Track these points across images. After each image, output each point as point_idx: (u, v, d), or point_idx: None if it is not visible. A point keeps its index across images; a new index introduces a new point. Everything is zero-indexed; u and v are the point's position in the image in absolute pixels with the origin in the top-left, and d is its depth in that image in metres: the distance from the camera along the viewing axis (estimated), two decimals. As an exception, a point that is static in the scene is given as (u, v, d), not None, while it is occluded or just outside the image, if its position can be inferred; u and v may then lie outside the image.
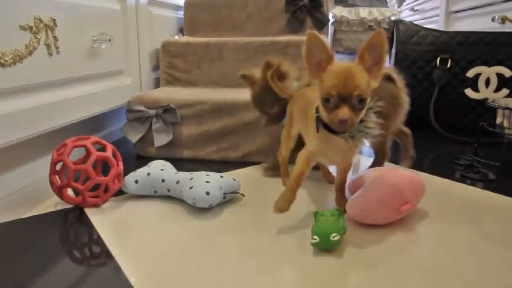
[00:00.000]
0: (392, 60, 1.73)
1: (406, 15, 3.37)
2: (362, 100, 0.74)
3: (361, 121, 0.79)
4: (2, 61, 0.93)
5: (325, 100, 0.75)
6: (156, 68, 1.67)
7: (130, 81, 1.49)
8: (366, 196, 0.86)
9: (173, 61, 1.56)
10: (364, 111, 0.77)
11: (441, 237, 0.84)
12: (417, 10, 3.15)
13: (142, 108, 1.32)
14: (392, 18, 1.74)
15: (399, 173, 0.91)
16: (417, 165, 1.24)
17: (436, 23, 2.56)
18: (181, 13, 1.89)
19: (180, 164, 1.12)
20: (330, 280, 0.70)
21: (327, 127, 0.80)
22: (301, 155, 0.87)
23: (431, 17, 2.76)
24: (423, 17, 2.96)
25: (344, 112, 0.72)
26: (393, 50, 1.73)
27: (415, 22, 1.82)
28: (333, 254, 0.77)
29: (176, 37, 1.76)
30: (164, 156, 1.28)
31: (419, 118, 1.64)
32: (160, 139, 1.31)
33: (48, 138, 1.15)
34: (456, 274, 0.71)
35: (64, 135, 1.16)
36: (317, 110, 0.82)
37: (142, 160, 1.33)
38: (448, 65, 1.58)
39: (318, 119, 0.81)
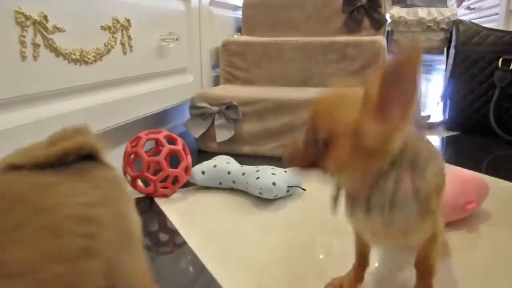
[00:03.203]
0: (451, 61, 1.71)
1: (462, 14, 3.29)
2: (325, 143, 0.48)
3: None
4: (86, 59, 1.01)
5: None
6: (215, 66, 1.73)
7: (192, 78, 1.55)
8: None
9: (232, 60, 1.62)
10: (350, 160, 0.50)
11: (502, 241, 0.84)
12: (473, 9, 3.07)
13: (205, 104, 1.38)
14: (452, 18, 1.72)
15: (463, 173, 0.91)
16: (477, 167, 1.23)
17: (494, 22, 2.49)
18: (239, 13, 1.94)
19: (240, 159, 1.16)
20: (390, 274, 0.73)
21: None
22: None
23: (489, 15, 2.68)
24: (480, 15, 2.88)
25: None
26: (452, 51, 1.71)
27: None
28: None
29: (235, 36, 1.82)
30: (224, 151, 1.33)
31: (478, 120, 1.62)
32: (222, 135, 1.37)
33: (115, 132, 1.22)
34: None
35: (129, 130, 1.24)
36: None
37: (203, 154, 1.39)
38: (511, 66, 1.55)
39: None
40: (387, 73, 0.43)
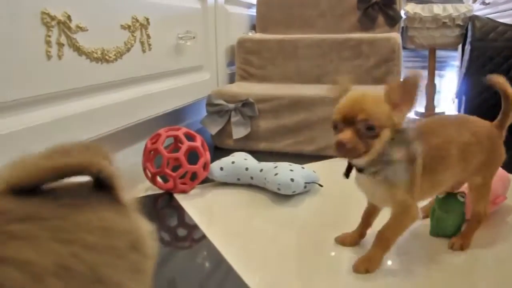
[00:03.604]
0: (466, 58, 1.70)
1: (477, 9, 3.24)
2: (370, 128, 0.64)
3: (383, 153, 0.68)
4: (107, 57, 1.03)
5: (334, 127, 0.68)
6: (230, 63, 1.75)
7: (209, 76, 1.57)
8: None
9: (248, 57, 1.63)
10: (379, 144, 0.66)
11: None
12: (488, 3, 3.03)
13: (221, 102, 1.40)
14: (467, 14, 1.71)
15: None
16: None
17: (510, 17, 2.46)
18: (253, 11, 1.96)
19: (256, 156, 1.18)
20: (406, 267, 0.74)
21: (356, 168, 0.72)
22: None
23: (505, 10, 2.65)
24: (495, 10, 2.85)
25: (344, 134, 0.64)
26: (467, 47, 1.70)
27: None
28: (418, 240, 0.80)
29: (250, 34, 1.83)
30: (240, 148, 1.35)
31: (494, 118, 1.61)
32: (239, 132, 1.38)
33: (134, 130, 1.24)
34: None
35: (147, 127, 1.26)
36: None
37: (219, 151, 1.41)
38: (528, 63, 1.54)
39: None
40: (403, 85, 0.66)
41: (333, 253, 0.79)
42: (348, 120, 0.65)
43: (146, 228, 0.41)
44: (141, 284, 0.38)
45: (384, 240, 0.73)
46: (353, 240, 0.81)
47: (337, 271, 0.73)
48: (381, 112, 0.65)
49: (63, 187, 0.38)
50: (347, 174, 0.73)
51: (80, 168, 0.36)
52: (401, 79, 0.69)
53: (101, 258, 0.34)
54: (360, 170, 0.70)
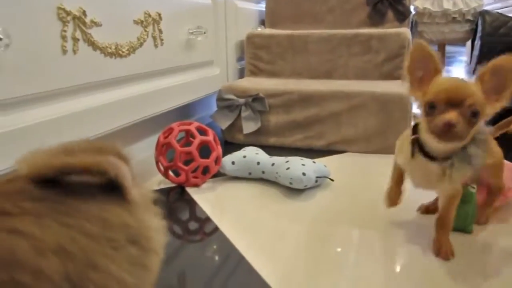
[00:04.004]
0: (476, 53, 1.70)
1: (486, 4, 3.21)
2: (475, 114, 0.61)
3: (464, 147, 0.67)
4: (120, 52, 1.04)
5: (430, 107, 0.64)
6: (240, 59, 1.75)
7: (219, 71, 1.58)
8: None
9: (257, 53, 1.64)
10: (473, 131, 0.64)
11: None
12: (498, -2, 3.01)
13: (232, 96, 1.41)
14: (478, 9, 1.71)
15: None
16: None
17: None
18: (262, 6, 1.96)
19: (267, 150, 1.19)
20: (418, 263, 0.75)
21: (424, 153, 0.70)
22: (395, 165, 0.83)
23: (515, 5, 2.63)
24: (505, 5, 2.83)
25: (452, 114, 0.61)
26: (477, 42, 1.70)
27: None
28: (428, 234, 0.81)
29: (259, 29, 1.84)
30: (251, 143, 1.36)
31: (504, 114, 1.61)
32: (249, 127, 1.39)
33: (144, 124, 1.25)
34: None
35: (157, 122, 1.27)
36: (413, 131, 0.71)
37: (229, 146, 1.42)
38: (538, 58, 1.53)
39: (414, 142, 0.70)
40: (495, 70, 0.62)
41: (341, 248, 0.80)
42: (453, 102, 0.61)
43: (153, 224, 0.42)
44: (140, 279, 0.39)
45: (447, 224, 0.76)
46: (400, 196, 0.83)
47: (345, 265, 0.74)
48: (482, 100, 0.62)
49: (80, 180, 0.40)
50: (412, 154, 0.71)
51: (83, 169, 0.38)
52: (492, 63, 0.63)
53: (96, 246, 0.36)
54: (430, 157, 0.69)
